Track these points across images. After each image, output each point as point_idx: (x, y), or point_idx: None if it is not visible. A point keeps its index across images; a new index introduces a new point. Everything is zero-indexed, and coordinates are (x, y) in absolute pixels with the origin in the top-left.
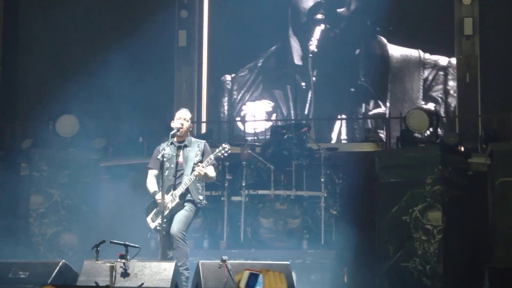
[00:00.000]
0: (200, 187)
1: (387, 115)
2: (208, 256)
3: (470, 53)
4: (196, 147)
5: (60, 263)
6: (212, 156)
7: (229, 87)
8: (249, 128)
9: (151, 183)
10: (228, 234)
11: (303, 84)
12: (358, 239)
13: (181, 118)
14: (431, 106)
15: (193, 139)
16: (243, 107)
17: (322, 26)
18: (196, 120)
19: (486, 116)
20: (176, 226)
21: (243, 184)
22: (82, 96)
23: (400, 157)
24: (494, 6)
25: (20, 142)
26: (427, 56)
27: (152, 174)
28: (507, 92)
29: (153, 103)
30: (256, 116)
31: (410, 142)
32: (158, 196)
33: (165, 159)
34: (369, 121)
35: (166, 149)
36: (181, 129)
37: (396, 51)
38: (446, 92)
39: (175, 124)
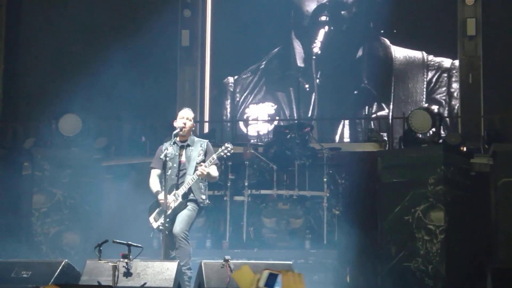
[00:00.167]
0: (202, 187)
1: (390, 117)
2: (210, 255)
3: (473, 53)
4: (198, 146)
5: (63, 263)
6: (215, 156)
7: (232, 89)
8: (252, 130)
9: (154, 183)
10: (231, 234)
11: (306, 86)
12: (361, 239)
13: (184, 117)
14: (434, 108)
15: (196, 138)
16: (246, 110)
17: (326, 28)
18: (198, 120)
19: (489, 116)
20: (179, 225)
21: (246, 184)
22: (85, 95)
23: (403, 157)
24: (497, 6)
25: (23, 141)
26: (431, 58)
27: (154, 173)
28: (510, 93)
29: (155, 102)
30: (258, 119)
31: (412, 142)
32: (161, 196)
33: (167, 158)
34: (372, 123)
35: (169, 149)
36: (184, 129)
37: (399, 52)
38: (449, 95)
39: (178, 123)
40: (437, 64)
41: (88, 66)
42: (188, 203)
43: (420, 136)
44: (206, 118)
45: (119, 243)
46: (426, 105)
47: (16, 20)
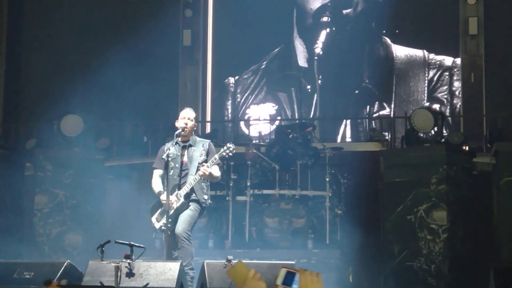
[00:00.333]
0: (205, 187)
1: (392, 116)
2: (213, 255)
3: (475, 52)
4: (200, 146)
5: (65, 263)
6: (217, 156)
7: (233, 90)
8: (254, 131)
9: (156, 183)
10: (233, 234)
11: (308, 87)
12: (363, 239)
13: (186, 117)
14: (436, 107)
15: (198, 138)
16: (247, 111)
17: (328, 29)
18: (200, 120)
19: (491, 115)
20: (181, 226)
21: (248, 183)
22: (86, 96)
23: (405, 157)
24: (499, 5)
25: (25, 142)
26: (432, 56)
27: (157, 174)
28: None
29: (157, 102)
30: (261, 118)
31: (415, 141)
32: (163, 196)
33: (170, 158)
34: (373, 122)
35: (171, 149)
36: (185, 129)
37: (400, 51)
38: (451, 93)
39: (179, 123)
40: (438, 62)
41: (90, 66)
42: (190, 203)
43: (423, 135)
44: (208, 118)
45: (121, 244)
46: (427, 104)
47: (17, 21)
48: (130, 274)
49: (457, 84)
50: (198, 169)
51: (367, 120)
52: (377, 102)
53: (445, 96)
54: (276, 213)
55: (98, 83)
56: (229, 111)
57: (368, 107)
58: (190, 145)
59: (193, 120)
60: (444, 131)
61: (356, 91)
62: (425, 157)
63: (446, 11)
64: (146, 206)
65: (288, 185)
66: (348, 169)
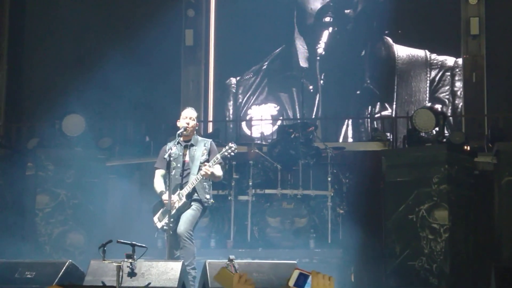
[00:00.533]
0: (207, 186)
1: (393, 116)
2: (215, 255)
3: (476, 52)
4: (202, 146)
5: (67, 263)
6: (218, 155)
7: (234, 91)
8: (256, 132)
9: (158, 183)
10: (235, 234)
11: (310, 87)
12: (365, 238)
13: (187, 117)
14: (438, 107)
15: (199, 138)
16: (249, 111)
17: (330, 29)
18: (203, 120)
19: (493, 115)
20: (183, 225)
21: (250, 183)
22: (88, 95)
23: (407, 156)
24: (500, 5)
25: (26, 142)
26: (434, 56)
27: (159, 174)
28: None
29: (159, 102)
30: (262, 121)
31: (416, 141)
32: (165, 196)
33: (171, 158)
34: (375, 123)
35: (173, 149)
36: (187, 128)
37: (402, 51)
38: (453, 94)
39: (181, 123)
40: (440, 62)
41: (92, 66)
42: (192, 203)
43: (424, 135)
44: (210, 117)
45: (123, 243)
46: (429, 104)
47: (19, 21)
48: (132, 274)
49: (459, 85)
50: (200, 169)
51: (368, 120)
52: (378, 103)
53: (447, 97)
54: (278, 213)
55: (100, 83)
56: (231, 112)
57: (369, 107)
58: (192, 145)
59: (195, 120)
60: (446, 131)
61: (358, 92)
62: (427, 156)
63: (447, 11)
64: (148, 206)
65: (290, 184)
66: (350, 168)
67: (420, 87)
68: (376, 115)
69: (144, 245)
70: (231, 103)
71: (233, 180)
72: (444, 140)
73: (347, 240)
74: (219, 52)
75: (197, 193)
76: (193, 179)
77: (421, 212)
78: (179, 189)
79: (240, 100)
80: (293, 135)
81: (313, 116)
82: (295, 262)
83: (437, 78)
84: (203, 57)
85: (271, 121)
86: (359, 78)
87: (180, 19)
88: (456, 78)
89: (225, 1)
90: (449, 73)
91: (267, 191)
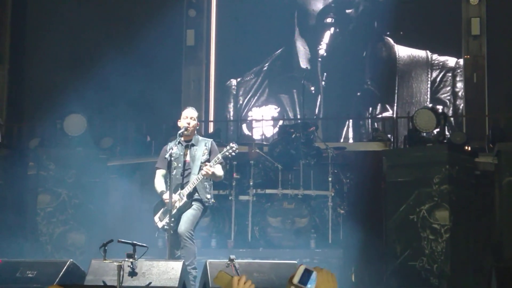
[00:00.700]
0: (207, 186)
1: (394, 116)
2: (215, 255)
3: (477, 53)
4: (203, 145)
5: (68, 262)
6: (219, 155)
7: (235, 92)
8: (256, 134)
9: (159, 183)
10: (236, 233)
11: (312, 88)
12: (366, 238)
13: (188, 117)
14: (439, 109)
15: (200, 137)
16: (249, 113)
17: (332, 30)
18: (204, 119)
19: (493, 115)
20: (184, 225)
21: (251, 183)
22: (89, 95)
23: (408, 157)
24: (501, 6)
25: (28, 141)
26: (435, 57)
27: (160, 173)
28: None
29: (160, 102)
30: (263, 122)
31: (417, 141)
32: (166, 196)
33: (172, 158)
34: (376, 125)
35: (173, 149)
36: (188, 128)
37: (403, 52)
38: (454, 94)
39: (181, 123)
40: (441, 63)
41: (93, 66)
42: (193, 203)
43: (425, 135)
44: (211, 117)
45: (124, 243)
46: (430, 105)
47: (21, 21)
48: (133, 274)
49: (460, 85)
50: (201, 169)
51: (369, 122)
52: (379, 104)
53: (448, 98)
54: (279, 213)
55: (101, 83)
56: (231, 114)
57: (370, 109)
58: (193, 145)
59: (196, 120)
60: (447, 131)
61: (358, 93)
62: (428, 157)
63: (448, 11)
64: (149, 206)
65: (290, 184)
66: (351, 168)
67: (421, 88)
68: (378, 116)
69: (145, 245)
70: (231, 104)
71: (234, 180)
72: (445, 140)
73: (348, 240)
74: (220, 53)
75: (198, 193)
76: (194, 179)
77: (422, 212)
78: (180, 189)
79: (241, 102)
80: (294, 135)
81: (315, 118)
82: (296, 262)
83: (438, 79)
84: (204, 57)
85: (272, 123)
86: (360, 79)
87: (181, 19)
88: (457, 78)
89: (226, 2)
90: (450, 74)
91: (268, 191)
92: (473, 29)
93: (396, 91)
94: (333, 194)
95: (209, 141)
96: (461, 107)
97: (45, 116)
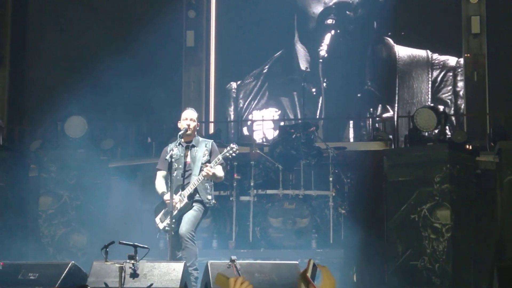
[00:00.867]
0: (208, 187)
1: (395, 118)
2: (217, 256)
3: (477, 51)
4: (203, 146)
5: (70, 264)
6: (220, 156)
7: (235, 95)
8: (257, 137)
9: (160, 184)
10: (237, 234)
11: (313, 90)
12: (367, 238)
13: (188, 118)
14: (440, 108)
15: (201, 138)
16: (250, 116)
17: (332, 32)
18: (204, 120)
19: (494, 114)
20: (185, 226)
21: (252, 184)
22: (90, 97)
23: (409, 156)
24: (501, 4)
25: (29, 144)
26: (436, 56)
27: (160, 175)
28: None
29: (161, 103)
30: (264, 124)
31: (418, 140)
32: (167, 197)
33: (173, 159)
34: (376, 124)
35: (174, 150)
36: (188, 130)
37: (403, 52)
38: (455, 94)
39: (181, 125)
40: (442, 62)
41: (93, 67)
42: (194, 204)
43: (426, 134)
44: (212, 118)
45: (125, 244)
46: (431, 105)
47: (21, 24)
48: (134, 275)
49: (461, 85)
50: (201, 170)
51: (370, 123)
52: (380, 105)
53: (449, 97)
54: (279, 213)
55: (102, 85)
56: (232, 117)
57: (371, 110)
58: (193, 146)
59: (195, 121)
60: (448, 130)
61: (359, 95)
62: (429, 156)
63: (448, 10)
64: (150, 207)
65: (291, 185)
66: (352, 168)
67: (422, 88)
68: (378, 119)
69: (146, 246)
70: (232, 108)
71: (235, 180)
72: (446, 139)
73: (349, 240)
74: (220, 54)
75: (198, 194)
76: (195, 180)
77: (423, 212)
78: (180, 190)
79: (241, 105)
80: (294, 135)
81: (316, 118)
82: (297, 262)
83: (439, 79)
84: (204, 58)
85: (272, 126)
86: (360, 80)
87: (181, 20)
88: (458, 78)
89: (226, 2)
90: (451, 73)
91: (269, 191)
92: (473, 27)
93: (396, 91)
94: (334, 194)
95: (210, 142)
96: (462, 106)
97: (46, 118)
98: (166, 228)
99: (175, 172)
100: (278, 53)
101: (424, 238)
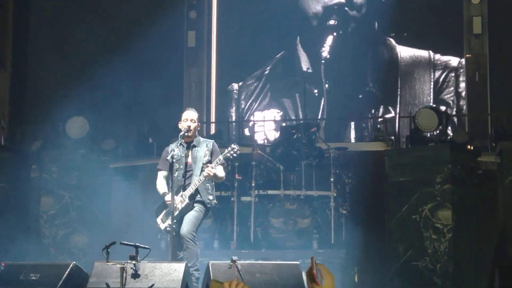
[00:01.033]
0: (209, 187)
1: (396, 119)
2: (218, 256)
3: (479, 51)
4: (204, 147)
5: (71, 265)
6: (221, 157)
7: (236, 96)
8: (259, 138)
9: (161, 184)
10: (238, 234)
11: (315, 91)
12: (368, 238)
13: (188, 119)
14: (442, 109)
15: (202, 138)
16: (251, 118)
17: (334, 33)
18: (205, 121)
19: (496, 114)
20: (186, 226)
21: (253, 184)
22: (92, 97)
23: (410, 156)
24: (503, 4)
25: (30, 144)
26: (438, 57)
27: (161, 175)
28: None
29: (162, 103)
30: (265, 125)
31: (419, 141)
32: (168, 197)
33: (174, 160)
34: (378, 125)
35: (175, 150)
36: (189, 130)
37: (405, 52)
38: (457, 95)
39: (182, 125)
40: (444, 63)
41: (95, 68)
42: (195, 204)
43: (427, 135)
44: (213, 118)
45: (126, 245)
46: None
47: (23, 24)
48: (136, 275)
49: (463, 85)
50: (202, 170)
51: (371, 124)
52: (382, 106)
53: (451, 98)
54: (281, 214)
55: (103, 85)
56: (233, 118)
57: (373, 111)
58: (194, 146)
59: (196, 121)
60: (449, 130)
61: (360, 96)
62: (430, 156)
63: (450, 11)
64: (151, 207)
65: (293, 185)
66: (353, 169)
67: (424, 88)
68: (380, 119)
69: (147, 247)
70: (233, 109)
71: (236, 181)
72: (447, 139)
73: (350, 240)
74: (221, 55)
75: (200, 194)
76: (196, 180)
77: (425, 212)
78: (182, 191)
79: (243, 106)
80: (295, 135)
81: (318, 120)
82: (298, 263)
83: (441, 79)
84: (205, 58)
85: (274, 127)
86: (362, 81)
87: (182, 21)
88: (461, 78)
89: (227, 3)
90: (453, 74)
91: (270, 192)
92: (475, 28)
93: (398, 92)
94: (335, 195)
95: (211, 142)
96: (464, 107)
97: (47, 119)
98: (168, 228)
99: (176, 172)
100: (279, 54)
101: (425, 239)
